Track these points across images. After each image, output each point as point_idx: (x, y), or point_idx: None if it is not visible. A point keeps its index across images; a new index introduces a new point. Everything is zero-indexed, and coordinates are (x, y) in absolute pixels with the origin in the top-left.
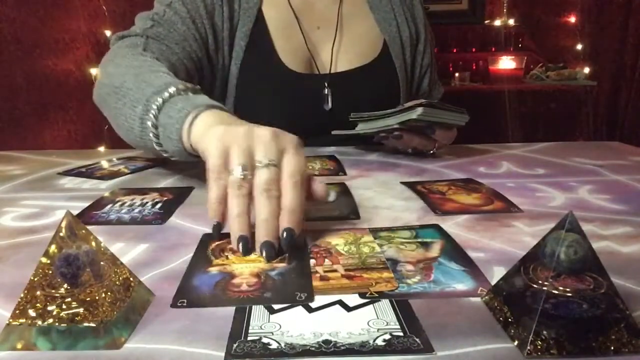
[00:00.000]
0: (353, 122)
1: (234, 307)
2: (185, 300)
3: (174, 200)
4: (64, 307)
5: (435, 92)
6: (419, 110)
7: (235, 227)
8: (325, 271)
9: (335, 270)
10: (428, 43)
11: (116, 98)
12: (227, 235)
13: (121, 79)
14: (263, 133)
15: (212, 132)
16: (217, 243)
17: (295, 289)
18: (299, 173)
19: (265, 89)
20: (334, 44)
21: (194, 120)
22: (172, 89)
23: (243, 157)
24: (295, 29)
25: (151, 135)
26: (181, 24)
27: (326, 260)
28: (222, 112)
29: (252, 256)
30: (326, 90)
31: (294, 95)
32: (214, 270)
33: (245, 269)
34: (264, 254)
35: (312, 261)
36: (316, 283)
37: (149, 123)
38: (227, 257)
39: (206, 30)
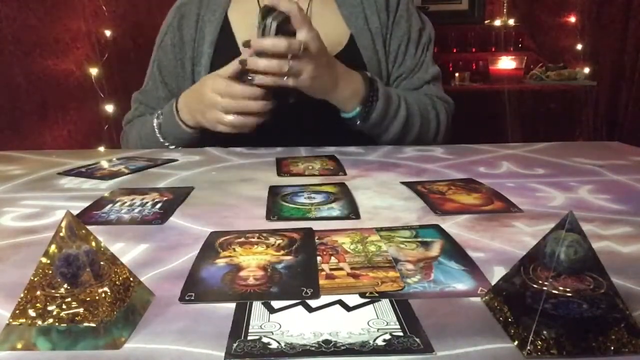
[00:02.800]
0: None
1: (234, 307)
2: (193, 294)
3: (174, 200)
4: (64, 307)
5: (422, 74)
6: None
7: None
8: (331, 269)
9: (341, 269)
10: (403, 19)
11: (139, 138)
12: (234, 231)
13: (137, 135)
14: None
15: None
16: (224, 238)
17: (301, 284)
18: None
19: None
20: None
21: (177, 113)
22: (159, 114)
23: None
24: None
25: (162, 140)
26: (155, 88)
27: (332, 257)
28: (179, 99)
29: (259, 248)
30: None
31: None
32: (221, 262)
33: (252, 261)
34: None
35: (319, 258)
36: (322, 282)
37: (159, 136)
38: (234, 250)
39: (176, 65)
